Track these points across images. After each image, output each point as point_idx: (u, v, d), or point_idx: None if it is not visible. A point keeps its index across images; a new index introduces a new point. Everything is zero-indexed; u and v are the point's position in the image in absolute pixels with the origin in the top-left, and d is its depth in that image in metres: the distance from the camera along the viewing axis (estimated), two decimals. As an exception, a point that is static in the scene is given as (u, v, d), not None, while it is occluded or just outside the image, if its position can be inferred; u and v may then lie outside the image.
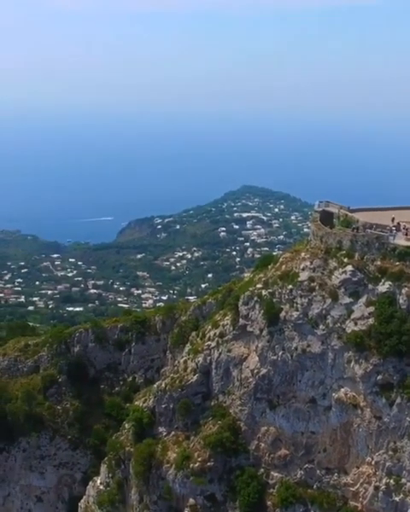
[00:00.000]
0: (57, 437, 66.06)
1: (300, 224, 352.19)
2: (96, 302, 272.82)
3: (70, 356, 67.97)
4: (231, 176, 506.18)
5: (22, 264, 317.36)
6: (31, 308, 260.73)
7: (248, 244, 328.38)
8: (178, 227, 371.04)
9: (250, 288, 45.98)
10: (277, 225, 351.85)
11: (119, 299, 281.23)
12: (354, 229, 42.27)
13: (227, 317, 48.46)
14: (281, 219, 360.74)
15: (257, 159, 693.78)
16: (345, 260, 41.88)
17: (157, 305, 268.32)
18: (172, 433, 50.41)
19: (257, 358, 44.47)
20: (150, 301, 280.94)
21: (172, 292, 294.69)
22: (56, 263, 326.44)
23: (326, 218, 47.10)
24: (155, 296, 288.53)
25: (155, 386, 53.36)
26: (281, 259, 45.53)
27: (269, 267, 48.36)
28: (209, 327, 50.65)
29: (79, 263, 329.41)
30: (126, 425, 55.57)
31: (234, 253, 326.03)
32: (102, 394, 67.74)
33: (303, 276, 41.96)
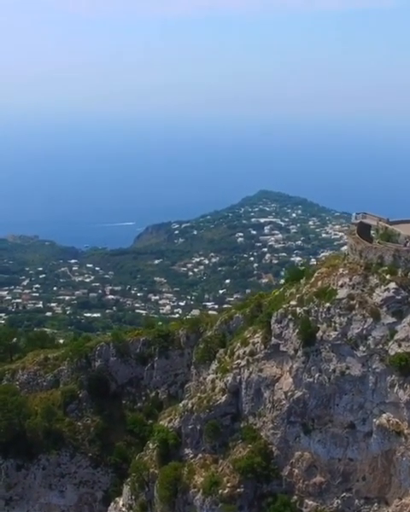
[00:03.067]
0: (78, 454, 63.89)
1: (317, 230, 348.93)
2: (114, 308, 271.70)
3: (91, 370, 65.85)
4: (248, 181, 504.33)
5: (40, 269, 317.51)
6: (48, 314, 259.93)
7: (265, 249, 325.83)
8: (195, 232, 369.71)
9: (283, 305, 43.45)
10: (294, 230, 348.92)
11: (136, 304, 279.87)
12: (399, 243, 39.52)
13: (258, 335, 46.01)
14: (298, 224, 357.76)
15: (273, 164, 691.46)
16: (387, 277, 39.33)
17: (175, 311, 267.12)
18: (200, 455, 48.00)
19: (291, 380, 41.95)
20: (168, 307, 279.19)
21: (189, 298, 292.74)
22: (74, 268, 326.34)
23: (364, 231, 44.52)
24: (173, 302, 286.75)
25: (180, 405, 51.00)
26: (316, 275, 42.96)
27: (301, 282, 45.90)
28: (238, 344, 48.22)
29: (97, 268, 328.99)
30: (150, 445, 53.25)
31: (251, 258, 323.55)
32: (124, 410, 65.50)
33: (342, 293, 39.40)
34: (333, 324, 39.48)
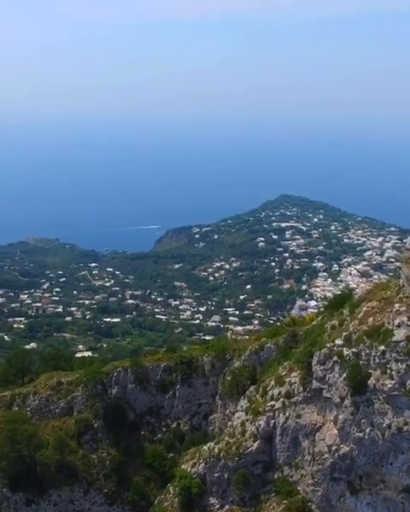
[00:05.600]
0: (92, 490, 58.59)
1: (340, 235, 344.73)
2: (134, 313, 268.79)
3: (107, 398, 60.64)
4: (269, 185, 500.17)
5: (60, 272, 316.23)
6: (68, 319, 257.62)
7: (287, 255, 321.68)
8: (216, 237, 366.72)
9: (327, 345, 37.69)
10: (316, 235, 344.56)
11: (156, 310, 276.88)
12: None
13: (295, 374, 40.34)
14: (320, 229, 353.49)
15: (295, 168, 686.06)
16: None
17: (195, 316, 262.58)
18: (227, 507, 42.48)
19: (336, 432, 36.21)
20: (188, 313, 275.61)
21: (210, 303, 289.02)
22: (94, 272, 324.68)
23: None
24: (193, 307, 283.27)
25: (206, 448, 45.53)
26: (365, 309, 37.10)
27: (344, 312, 40.15)
28: (272, 382, 42.59)
29: (117, 272, 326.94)
30: (171, 490, 47.84)
31: (273, 263, 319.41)
32: (143, 442, 60.11)
33: (399, 335, 33.54)
34: (389, 371, 33.62)
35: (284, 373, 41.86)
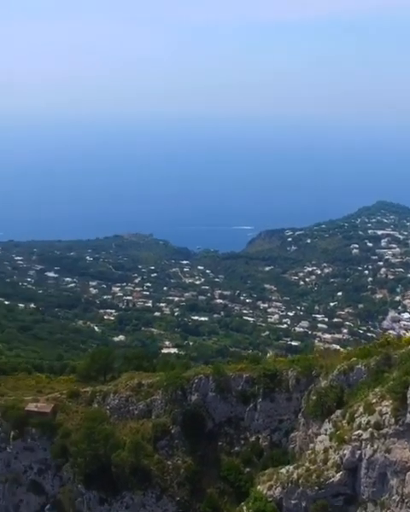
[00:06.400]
0: (165, 497, 57.52)
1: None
2: (222, 313, 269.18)
3: (186, 404, 59.34)
4: (366, 191, 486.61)
5: (152, 268, 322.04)
6: (157, 314, 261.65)
7: (381, 263, 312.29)
8: (308, 241, 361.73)
9: (426, 376, 34.25)
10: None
11: (244, 311, 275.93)
12: None
13: (387, 404, 37.03)
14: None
15: (394, 174, 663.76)
16: None
17: (283, 320, 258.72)
18: (302, 536, 39.80)
19: (430, 474, 32.79)
20: (276, 316, 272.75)
21: (299, 308, 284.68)
22: (185, 269, 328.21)
23: None
24: (282, 311, 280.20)
25: (284, 471, 43.02)
26: None
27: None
28: (360, 409, 39.43)
29: (207, 271, 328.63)
30: (245, 509, 45.65)
31: (366, 271, 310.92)
32: (220, 453, 58.27)
33: None
34: None
35: (374, 400, 38.61)
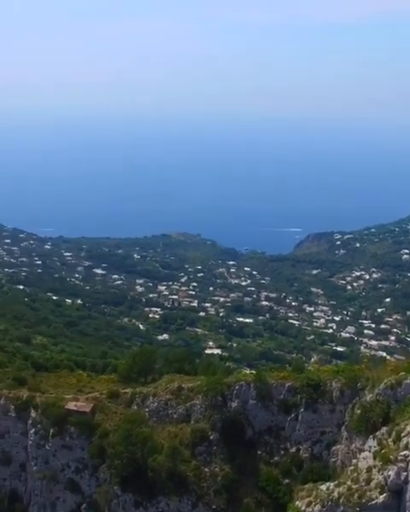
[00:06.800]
0: (201, 504, 56.40)
1: None
2: (267, 315, 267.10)
3: (226, 410, 58.14)
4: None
5: (199, 267, 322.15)
6: (202, 314, 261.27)
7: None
8: (357, 245, 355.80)
9: None
10: None
11: (290, 314, 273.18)
12: None
13: (437, 424, 35.03)
14: None
15: None
16: None
17: (329, 325, 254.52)
18: None
19: None
20: (322, 320, 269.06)
21: (345, 313, 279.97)
22: (232, 270, 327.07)
23: None
24: (328, 315, 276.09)
25: (324, 488, 41.33)
26: None
27: None
28: (408, 428, 37.48)
29: (254, 272, 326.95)
30: (282, 524, 44.19)
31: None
32: (259, 462, 56.87)
33: None
34: None
35: (423, 419, 36.62)
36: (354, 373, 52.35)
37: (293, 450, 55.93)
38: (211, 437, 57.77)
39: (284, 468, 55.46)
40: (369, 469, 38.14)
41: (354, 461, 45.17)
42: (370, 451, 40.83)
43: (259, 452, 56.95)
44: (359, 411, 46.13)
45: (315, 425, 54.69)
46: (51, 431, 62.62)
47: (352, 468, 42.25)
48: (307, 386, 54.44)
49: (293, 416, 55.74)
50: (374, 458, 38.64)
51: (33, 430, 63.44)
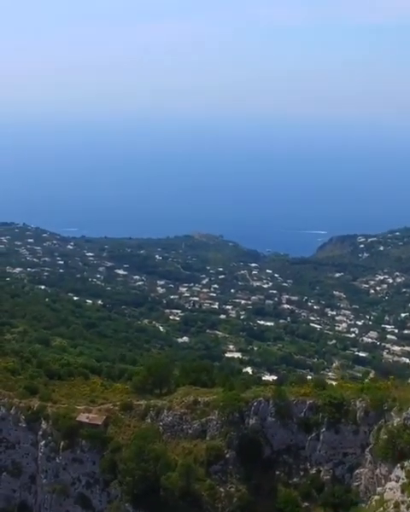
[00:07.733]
0: (215, 526, 53.91)
1: None
2: (288, 318, 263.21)
3: (243, 427, 55.42)
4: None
5: (220, 269, 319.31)
6: (222, 316, 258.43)
7: None
8: (381, 248, 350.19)
9: None
10: None
11: (311, 318, 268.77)
12: None
13: None
14: None
15: None
16: None
17: (351, 329, 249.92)
18: None
19: None
20: (344, 325, 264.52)
21: (368, 317, 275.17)
22: (253, 272, 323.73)
23: None
24: (350, 320, 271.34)
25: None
26: None
27: None
28: (439, 460, 34.45)
29: (276, 275, 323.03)
30: None
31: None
32: (277, 483, 54.00)
33: None
34: None
35: None
36: (380, 392, 49.25)
37: (313, 471, 53.03)
38: (227, 455, 55.08)
39: (303, 489, 52.60)
40: (397, 505, 35.27)
41: (378, 489, 42.31)
42: (397, 482, 37.87)
43: (277, 472, 54.11)
44: (385, 437, 43.18)
45: (337, 446, 51.72)
46: (62, 444, 60.51)
47: (377, 497, 39.37)
48: (330, 404, 51.51)
49: (314, 435, 52.85)
50: (402, 492, 35.70)
51: (44, 442, 61.41)
